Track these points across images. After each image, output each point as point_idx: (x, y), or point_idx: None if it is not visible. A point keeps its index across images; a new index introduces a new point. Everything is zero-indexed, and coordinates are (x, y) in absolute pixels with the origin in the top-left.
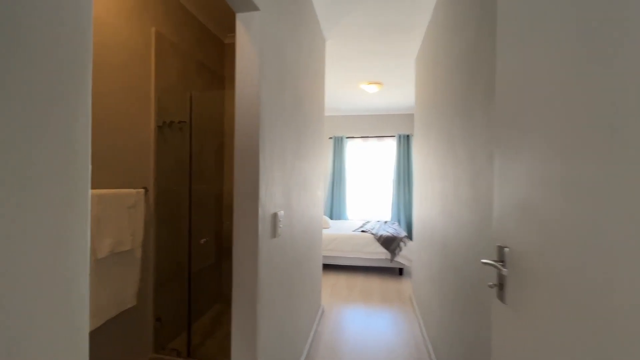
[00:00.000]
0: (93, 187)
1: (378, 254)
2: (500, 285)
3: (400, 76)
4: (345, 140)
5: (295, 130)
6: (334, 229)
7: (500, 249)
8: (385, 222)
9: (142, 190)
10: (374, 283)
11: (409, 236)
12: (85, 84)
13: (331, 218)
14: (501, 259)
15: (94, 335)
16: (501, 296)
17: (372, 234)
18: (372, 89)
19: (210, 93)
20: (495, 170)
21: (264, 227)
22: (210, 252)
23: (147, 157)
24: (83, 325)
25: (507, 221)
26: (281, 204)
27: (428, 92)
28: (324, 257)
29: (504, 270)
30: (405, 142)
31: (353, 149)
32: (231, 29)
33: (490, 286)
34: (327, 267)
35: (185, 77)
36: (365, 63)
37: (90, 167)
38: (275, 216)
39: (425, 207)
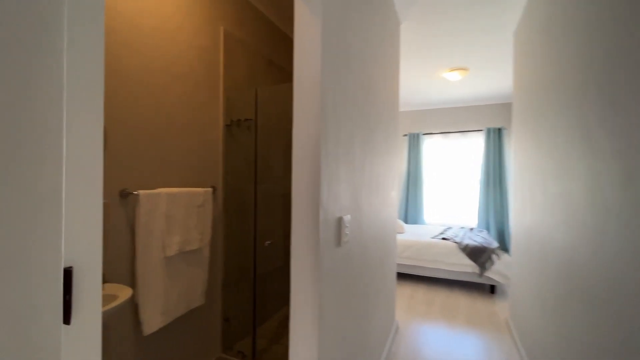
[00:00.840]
0: (164, 186)
1: (463, 266)
2: None
3: (491, 58)
4: (421, 137)
5: (364, 122)
6: (410, 234)
7: None
8: (471, 229)
9: (210, 190)
10: (459, 300)
11: (504, 247)
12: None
13: (406, 222)
14: None
15: (164, 332)
16: None
17: (456, 242)
18: (455, 76)
19: (276, 87)
20: None
21: (326, 234)
22: (278, 254)
23: (216, 157)
24: None
25: None
26: (348, 206)
27: (536, 70)
28: (398, 265)
29: None
30: (495, 136)
31: (431, 146)
32: None
33: None
34: (402, 277)
35: (253, 74)
36: (447, 46)
37: (96, 169)
38: (340, 221)
39: (533, 214)
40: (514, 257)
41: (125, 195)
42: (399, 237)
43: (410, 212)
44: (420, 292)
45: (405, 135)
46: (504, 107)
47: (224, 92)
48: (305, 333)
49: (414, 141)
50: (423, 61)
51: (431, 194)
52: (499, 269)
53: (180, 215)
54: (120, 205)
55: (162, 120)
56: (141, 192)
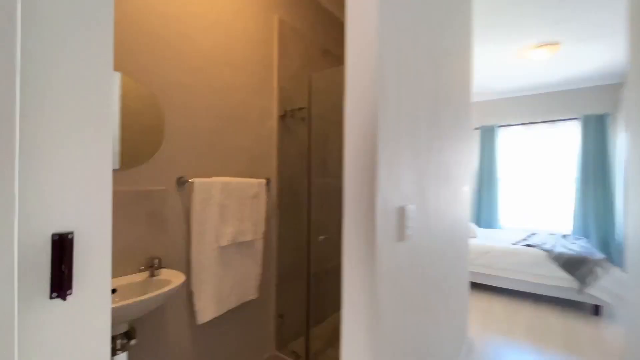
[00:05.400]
0: (218, 176)
1: (555, 280)
2: None
3: (591, 26)
4: (496, 130)
5: (431, 102)
6: (484, 239)
7: None
8: (564, 236)
9: (263, 181)
10: (550, 319)
11: (611, 260)
12: None
13: (479, 226)
14: None
15: (219, 323)
16: None
17: (545, 250)
18: (543, 54)
19: (331, 71)
20: None
21: (385, 224)
22: (333, 252)
23: (270, 148)
24: None
25: None
26: (411, 195)
27: None
28: (470, 274)
29: None
30: (597, 125)
31: (508, 140)
32: None
33: None
34: (475, 287)
35: (307, 63)
36: (534, 15)
37: None
38: (402, 211)
39: None
40: (632, 274)
41: (182, 183)
42: (471, 241)
43: (483, 214)
44: (498, 307)
45: (477, 128)
46: (608, 90)
47: (278, 82)
48: (359, 342)
49: (488, 135)
50: (500, 38)
51: (508, 195)
52: (607, 286)
53: (234, 206)
54: (177, 192)
55: (217, 110)
56: (196, 180)
